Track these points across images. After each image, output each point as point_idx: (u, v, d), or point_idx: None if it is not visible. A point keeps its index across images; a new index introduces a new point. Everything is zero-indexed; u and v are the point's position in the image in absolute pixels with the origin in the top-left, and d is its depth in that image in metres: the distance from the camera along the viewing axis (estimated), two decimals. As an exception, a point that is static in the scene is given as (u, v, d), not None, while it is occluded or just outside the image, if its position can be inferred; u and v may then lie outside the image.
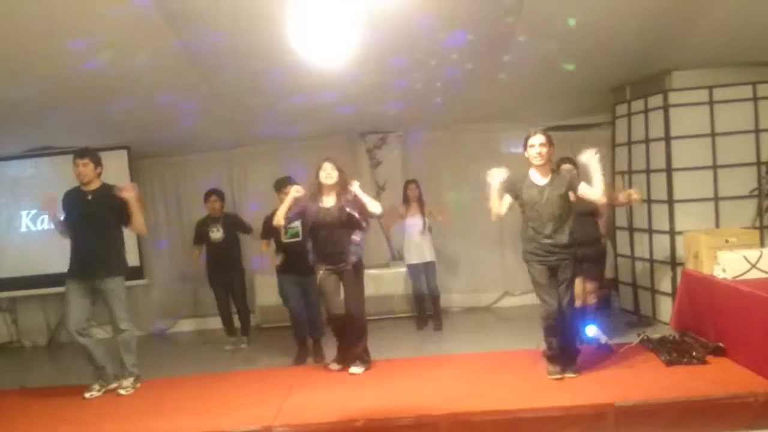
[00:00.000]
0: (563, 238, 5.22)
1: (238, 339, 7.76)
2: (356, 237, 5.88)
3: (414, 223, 7.88)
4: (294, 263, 6.52)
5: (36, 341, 8.89)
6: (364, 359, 5.99)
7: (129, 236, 8.23)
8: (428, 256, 7.91)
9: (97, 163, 5.88)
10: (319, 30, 5.46)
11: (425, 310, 8.07)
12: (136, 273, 8.46)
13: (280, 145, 8.55)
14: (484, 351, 6.47)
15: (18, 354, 8.65)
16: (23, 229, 8.39)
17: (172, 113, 7.27)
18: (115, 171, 8.24)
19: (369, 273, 8.24)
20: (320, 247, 5.89)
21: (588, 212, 6.04)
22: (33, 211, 8.35)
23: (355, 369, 5.91)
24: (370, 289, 8.10)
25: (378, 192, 8.63)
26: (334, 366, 6.08)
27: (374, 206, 5.89)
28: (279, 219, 5.95)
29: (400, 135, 8.84)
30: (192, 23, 5.68)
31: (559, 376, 5.27)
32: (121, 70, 6.11)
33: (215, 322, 8.16)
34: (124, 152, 8.20)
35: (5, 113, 6.72)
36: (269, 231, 6.83)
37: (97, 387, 5.83)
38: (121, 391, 5.79)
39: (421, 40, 6.14)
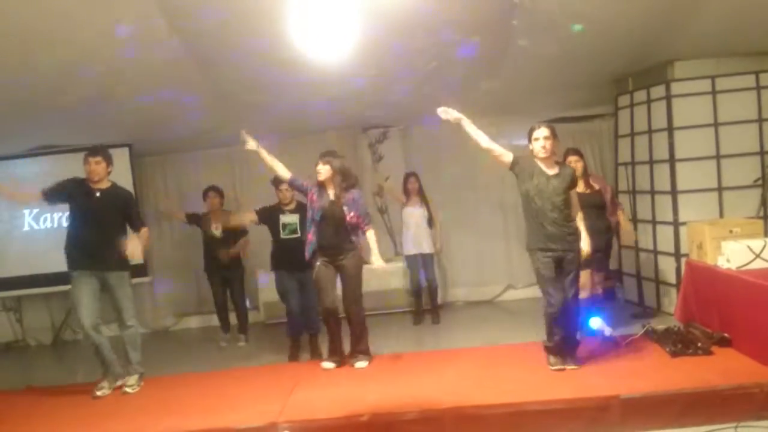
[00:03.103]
0: (567, 228, 5.24)
1: (234, 336, 7.75)
2: (354, 237, 5.91)
3: (413, 213, 7.87)
4: (292, 259, 6.49)
5: (41, 340, 8.91)
6: (367, 353, 5.99)
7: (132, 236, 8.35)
8: (426, 247, 7.89)
9: (109, 162, 5.90)
10: (320, 25, 5.46)
11: (421, 304, 8.05)
12: (141, 270, 8.47)
13: (281, 141, 8.49)
14: (487, 344, 6.47)
15: (23, 353, 8.67)
16: (26, 228, 8.40)
17: (174, 111, 7.26)
18: (117, 169, 8.21)
19: (371, 267, 8.31)
20: (320, 239, 5.89)
21: (594, 204, 6.09)
22: (35, 210, 8.37)
23: (361, 363, 5.91)
24: (372, 284, 8.14)
25: (379, 187, 8.62)
26: (327, 365, 5.98)
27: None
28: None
29: (402, 129, 8.83)
30: (193, 19, 5.66)
31: (560, 367, 5.28)
32: (123, 67, 6.10)
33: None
34: (126, 150, 8.21)
35: (8, 112, 6.71)
36: (265, 219, 6.83)
37: (107, 384, 5.84)
38: (128, 389, 5.80)
39: (422, 33, 6.11)
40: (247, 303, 8.05)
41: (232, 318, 7.86)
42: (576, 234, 5.31)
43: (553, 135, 5.28)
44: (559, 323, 5.28)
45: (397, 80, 7.05)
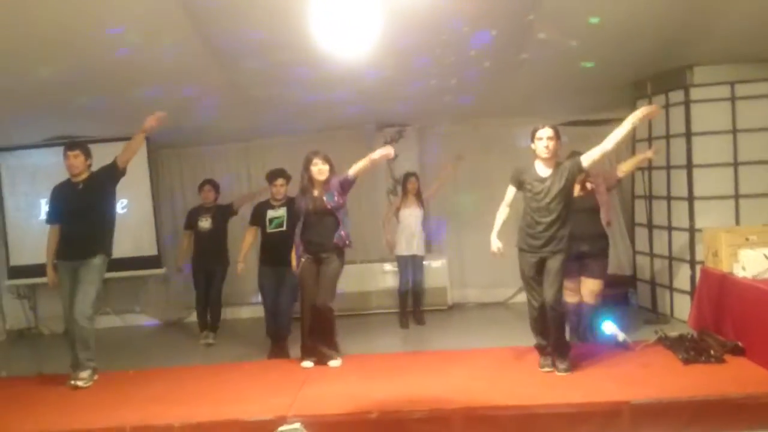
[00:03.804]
0: (560, 232, 5.22)
1: (208, 333, 7.73)
2: (342, 231, 5.87)
3: (409, 214, 7.85)
4: (275, 254, 6.54)
5: (53, 329, 8.95)
6: (336, 350, 5.99)
7: (147, 227, 8.41)
8: (417, 249, 7.88)
9: (88, 155, 5.92)
10: (339, 22, 5.46)
11: (407, 306, 8.00)
12: (154, 262, 8.56)
13: (298, 137, 8.54)
14: (498, 346, 6.45)
15: (35, 341, 8.74)
16: (42, 217, 8.43)
17: (192, 104, 7.30)
18: (134, 160, 8.28)
19: (371, 267, 8.32)
20: (305, 236, 5.88)
21: (589, 208, 6.01)
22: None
23: (334, 363, 5.90)
24: (372, 284, 8.16)
25: (394, 185, 8.62)
26: (308, 364, 5.94)
27: (376, 153, 5.81)
28: None
29: (418, 128, 8.82)
30: (213, 14, 5.68)
31: (549, 369, 5.33)
32: (142, 60, 6.15)
33: (231, 312, 8.27)
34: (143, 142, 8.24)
35: (29, 101, 6.76)
36: (257, 218, 6.88)
37: (87, 374, 5.84)
38: (78, 383, 5.76)
39: (441, 33, 6.11)
40: (252, 298, 8.05)
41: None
42: (567, 238, 5.25)
43: (557, 136, 5.25)
44: (541, 325, 5.35)
45: (415, 78, 7.06)
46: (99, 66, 6.14)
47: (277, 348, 6.72)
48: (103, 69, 6.21)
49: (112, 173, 5.92)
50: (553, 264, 5.24)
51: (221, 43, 6.11)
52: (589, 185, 6.07)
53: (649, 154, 6.72)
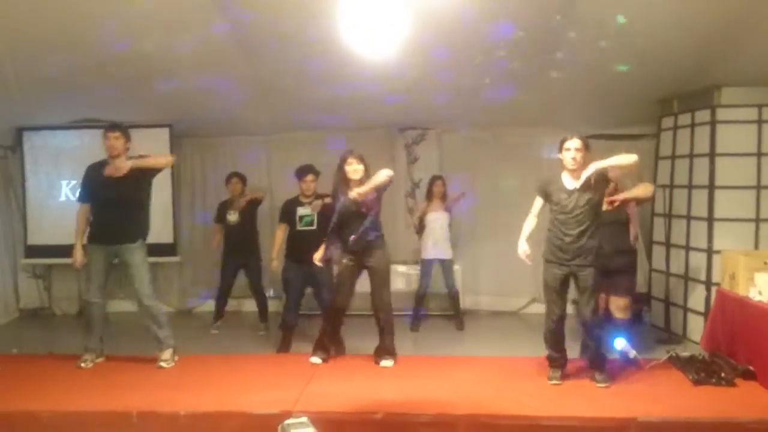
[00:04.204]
0: (588, 243, 5.18)
1: (255, 324, 7.79)
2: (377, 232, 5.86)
3: (436, 218, 7.83)
4: (303, 251, 6.47)
5: (66, 309, 9.05)
6: (392, 353, 5.98)
7: (165, 215, 8.45)
8: (445, 253, 7.87)
9: (128, 137, 5.92)
10: (366, 21, 5.47)
11: (421, 309, 8.01)
12: (170, 250, 8.59)
13: (318, 134, 8.56)
14: (508, 355, 6.43)
15: (48, 320, 8.82)
16: (62, 198, 8.53)
17: (215, 95, 7.34)
18: (156, 148, 8.33)
19: (397, 269, 8.29)
20: (342, 235, 5.84)
21: (617, 221, 5.92)
22: (73, 182, 8.47)
23: (386, 362, 5.90)
24: (397, 285, 8.14)
25: (413, 188, 8.62)
26: (316, 360, 5.95)
27: (381, 176, 5.68)
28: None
29: (439, 132, 8.81)
30: (242, 6, 5.72)
31: (557, 382, 5.30)
32: (168, 48, 6.19)
33: (248, 305, 8.32)
34: (166, 130, 8.32)
35: (55, 83, 6.83)
36: (286, 215, 6.87)
37: (90, 358, 5.93)
38: (162, 364, 5.89)
39: (467, 40, 6.12)
40: (271, 292, 8.08)
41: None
42: (596, 251, 5.21)
43: (585, 147, 5.21)
44: (557, 338, 5.37)
45: (439, 82, 7.04)
46: (125, 52, 6.19)
47: (287, 341, 6.76)
48: (129, 55, 6.26)
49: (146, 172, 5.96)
50: (585, 282, 5.21)
51: (248, 34, 6.14)
52: (616, 199, 5.99)
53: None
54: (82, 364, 5.87)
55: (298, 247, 6.67)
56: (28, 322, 8.72)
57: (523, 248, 5.51)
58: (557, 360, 5.42)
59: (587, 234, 5.17)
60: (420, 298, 7.96)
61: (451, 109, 7.93)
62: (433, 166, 8.64)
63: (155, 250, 8.40)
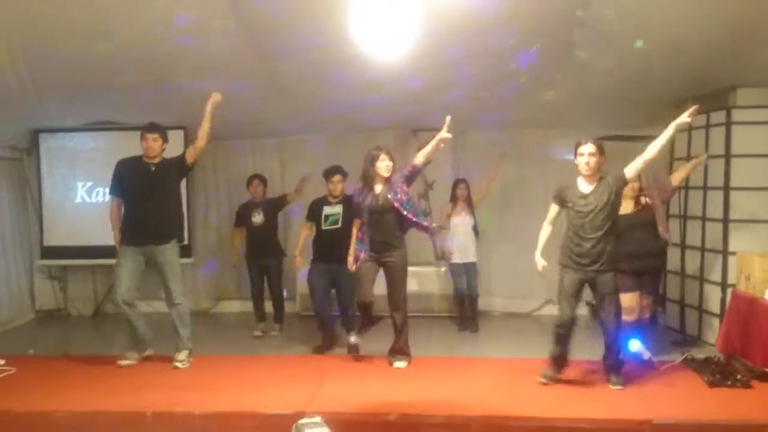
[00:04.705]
0: (607, 247, 5.15)
1: (269, 326, 7.79)
2: (400, 233, 5.90)
3: (460, 221, 7.83)
4: (329, 251, 6.58)
5: (82, 311, 9.10)
6: (406, 353, 5.98)
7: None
8: (471, 256, 7.86)
9: (165, 139, 6.06)
10: (380, 23, 5.47)
11: (465, 311, 8.02)
12: (185, 251, 8.57)
13: (332, 136, 8.58)
14: (521, 357, 6.41)
15: (64, 322, 8.87)
16: (78, 200, 8.59)
17: (230, 97, 7.31)
18: (171, 150, 8.37)
19: (411, 270, 8.27)
20: (369, 234, 5.90)
21: (646, 223, 5.93)
22: (89, 183, 8.55)
23: (399, 363, 5.91)
24: (411, 286, 8.11)
25: (426, 189, 8.61)
26: (354, 339, 6.16)
27: (420, 157, 5.87)
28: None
29: (454, 134, 8.75)
30: (255, 10, 5.73)
31: (546, 381, 5.31)
32: (183, 51, 6.21)
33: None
34: (181, 132, 8.34)
35: (71, 85, 6.86)
36: (313, 214, 6.91)
37: (135, 356, 6.01)
38: (177, 364, 5.94)
39: (482, 41, 6.10)
40: (285, 293, 8.10)
41: (268, 306, 7.88)
42: (614, 256, 5.20)
43: (600, 152, 5.18)
44: (564, 340, 5.34)
45: (453, 84, 7.03)
46: (142, 54, 6.23)
47: (329, 341, 6.82)
48: (146, 58, 6.29)
49: (182, 166, 6.11)
50: (605, 288, 5.21)
51: (262, 37, 6.16)
52: (643, 200, 5.99)
53: (702, 158, 6.66)
54: (122, 363, 5.96)
55: (324, 246, 6.73)
56: (43, 323, 8.78)
57: (541, 263, 5.52)
58: (557, 360, 5.41)
59: (606, 238, 5.14)
60: (459, 299, 8.01)
61: (465, 110, 7.89)
62: (447, 168, 8.63)
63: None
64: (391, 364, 5.92)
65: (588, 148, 5.16)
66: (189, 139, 8.36)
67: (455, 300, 8.08)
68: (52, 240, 8.66)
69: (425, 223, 5.95)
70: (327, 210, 6.79)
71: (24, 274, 8.88)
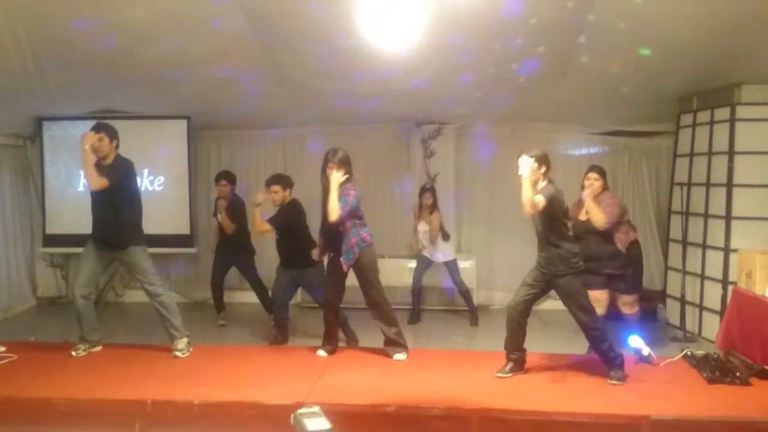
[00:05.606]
0: (547, 253, 5.30)
1: (225, 315, 7.85)
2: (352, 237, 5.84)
3: (423, 229, 7.91)
4: (282, 257, 6.76)
5: (83, 299, 9.11)
6: (402, 345, 5.99)
7: (182, 206, 8.49)
8: (442, 257, 7.93)
9: (113, 137, 5.81)
10: (386, 15, 5.45)
11: (418, 304, 8.07)
12: (187, 241, 8.65)
13: (336, 128, 8.57)
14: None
15: (65, 309, 8.82)
16: (80, 188, 8.58)
17: (234, 88, 7.36)
18: (175, 140, 8.41)
19: (401, 262, 8.34)
20: (326, 236, 5.99)
21: (593, 230, 6.05)
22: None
23: (399, 356, 5.92)
24: (403, 280, 8.15)
25: (429, 182, 8.61)
26: (322, 353, 6.00)
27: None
28: None
29: (456, 127, 8.79)
30: (262, 1, 5.72)
31: (503, 375, 5.38)
32: (187, 41, 6.20)
33: (238, 296, 8.47)
34: (184, 122, 8.36)
35: (74, 73, 6.85)
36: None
37: (83, 347, 6.01)
38: (177, 353, 5.92)
39: (487, 34, 6.08)
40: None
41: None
42: (557, 261, 5.26)
43: (539, 162, 5.27)
44: (509, 326, 5.50)
45: (458, 78, 7.02)
46: (143, 42, 6.22)
47: (281, 336, 6.83)
48: (148, 47, 6.28)
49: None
50: (561, 291, 5.36)
51: (267, 28, 6.14)
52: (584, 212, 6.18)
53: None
54: (74, 353, 5.94)
55: (279, 251, 6.78)
56: (45, 311, 8.81)
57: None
58: (510, 354, 5.48)
59: (547, 246, 5.29)
60: (415, 291, 8.07)
61: (468, 103, 7.91)
62: (450, 161, 8.65)
63: (172, 241, 8.53)
64: (390, 356, 5.92)
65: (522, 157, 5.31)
66: (192, 129, 8.40)
67: (412, 293, 8.08)
68: (54, 228, 8.69)
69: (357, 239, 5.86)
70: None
71: (26, 261, 8.93)
